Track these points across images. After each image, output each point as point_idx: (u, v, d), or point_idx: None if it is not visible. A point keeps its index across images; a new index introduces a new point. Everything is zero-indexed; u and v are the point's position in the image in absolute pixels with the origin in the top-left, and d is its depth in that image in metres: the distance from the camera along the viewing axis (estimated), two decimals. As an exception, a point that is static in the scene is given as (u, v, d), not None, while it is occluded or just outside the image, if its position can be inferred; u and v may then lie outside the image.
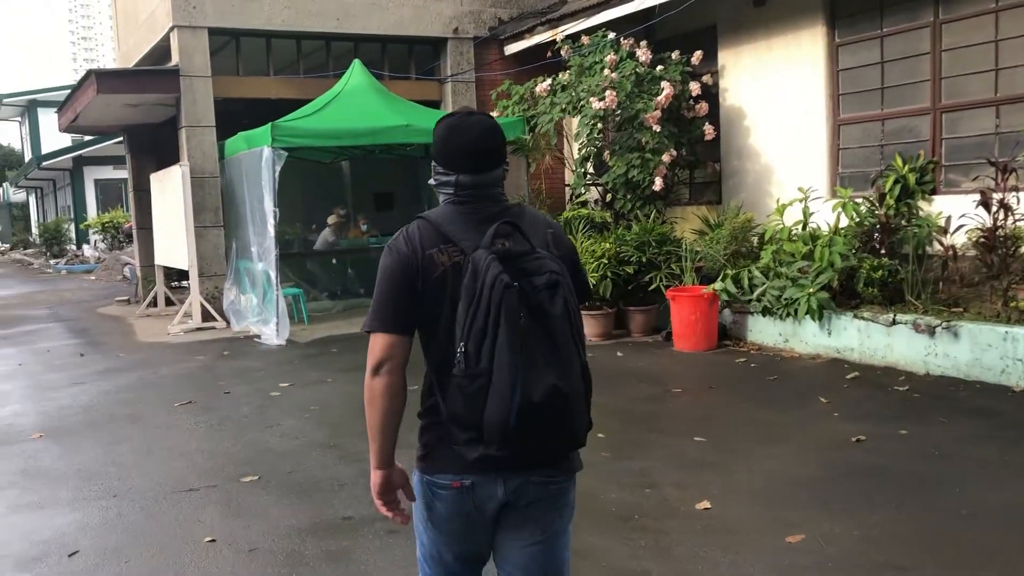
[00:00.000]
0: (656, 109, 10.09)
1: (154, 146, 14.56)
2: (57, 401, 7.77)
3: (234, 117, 12.09)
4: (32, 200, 44.76)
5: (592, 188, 11.12)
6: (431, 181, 2.34)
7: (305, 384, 7.83)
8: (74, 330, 12.47)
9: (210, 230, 11.90)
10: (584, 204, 11.11)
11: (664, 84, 10.22)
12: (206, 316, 11.68)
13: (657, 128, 10.12)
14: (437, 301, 2.18)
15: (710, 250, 9.00)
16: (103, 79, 11.21)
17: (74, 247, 30.72)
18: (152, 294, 13.98)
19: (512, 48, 13.51)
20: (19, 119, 40.97)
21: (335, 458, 5.64)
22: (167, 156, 12.87)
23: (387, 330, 2.21)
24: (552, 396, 2.07)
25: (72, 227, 30.89)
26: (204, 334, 11.24)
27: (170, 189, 12.09)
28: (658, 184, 10.07)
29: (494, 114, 11.89)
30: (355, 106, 10.93)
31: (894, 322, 7.24)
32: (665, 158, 10.11)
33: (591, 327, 9.30)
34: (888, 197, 8.38)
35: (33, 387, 8.48)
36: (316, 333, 10.77)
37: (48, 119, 28.78)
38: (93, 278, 22.44)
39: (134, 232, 15.85)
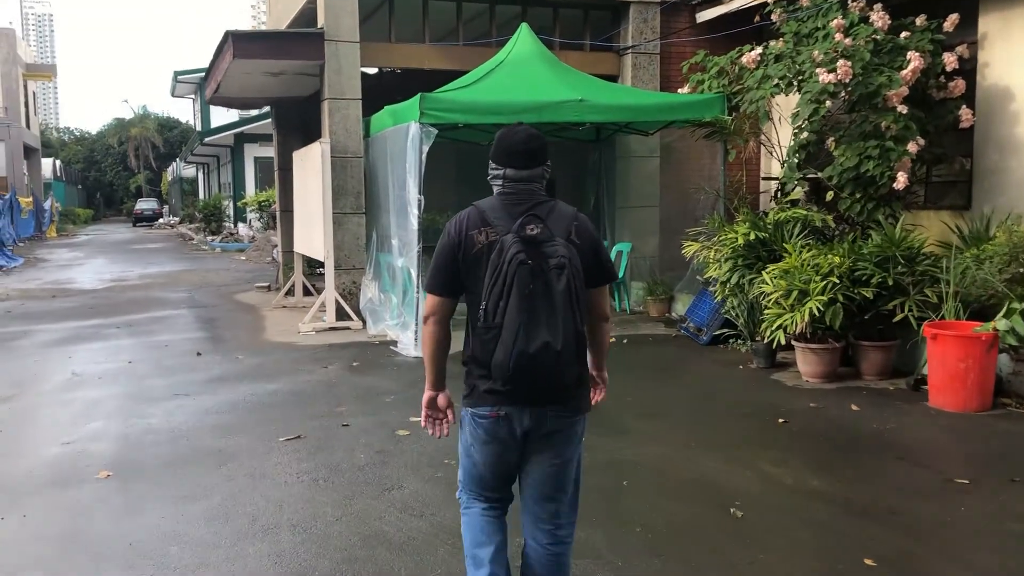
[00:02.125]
0: (903, 85, 7.82)
1: (301, 121, 13.35)
2: (147, 420, 6.41)
3: (385, 92, 10.56)
4: (200, 176, 45.92)
5: (804, 183, 8.90)
6: (488, 176, 3.01)
7: (441, 421, 6.13)
8: (202, 320, 11.36)
9: (350, 217, 10.46)
10: (794, 203, 8.92)
11: (910, 55, 7.92)
12: (341, 314, 10.26)
13: (903, 109, 7.85)
14: (474, 271, 2.88)
15: (981, 273, 6.70)
16: (239, 42, 9.93)
17: (231, 224, 30.70)
18: (290, 283, 12.79)
19: (706, 14, 11.41)
20: (193, 96, 41.98)
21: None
22: (314, 133, 11.53)
23: (435, 292, 2.98)
24: (543, 349, 2.76)
25: (231, 204, 30.87)
26: (336, 335, 9.81)
27: (311, 169, 10.74)
28: (900, 181, 7.79)
29: (684, 90, 9.91)
30: (520, 77, 9.17)
31: None
32: (911, 148, 7.82)
33: (808, 364, 7.19)
34: None
35: (129, 396, 7.19)
36: (461, 343, 9.11)
37: (214, 95, 28.78)
38: (243, 258, 21.86)
39: (277, 214, 14.78)
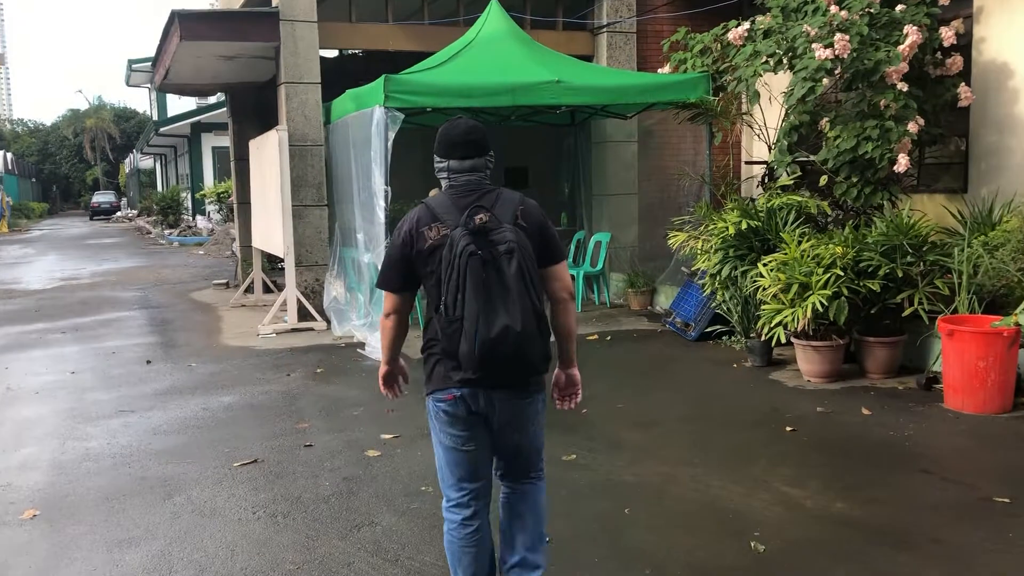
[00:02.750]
0: (902, 60, 7.31)
1: (258, 109, 12.59)
2: (86, 444, 5.73)
3: (347, 77, 9.86)
4: (158, 167, 44.68)
5: (795, 168, 8.36)
6: (435, 170, 3.12)
7: (415, 437, 5.52)
8: (155, 322, 10.63)
9: (311, 210, 9.78)
10: (785, 188, 8.38)
11: (907, 29, 7.41)
12: (303, 314, 9.60)
13: (903, 87, 7.34)
14: (428, 266, 2.98)
15: (994, 262, 6.20)
16: (187, 23, 9.17)
17: (189, 217, 29.74)
18: (249, 280, 12.08)
19: (685, -11, 10.85)
20: (148, 85, 40.66)
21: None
22: (271, 120, 10.79)
23: (390, 289, 3.12)
24: (504, 332, 2.83)
25: (189, 196, 29.89)
26: (299, 337, 9.14)
27: (268, 159, 10.04)
28: (902, 164, 7.30)
29: (665, 69, 9.35)
30: (491, 57, 8.54)
31: None
32: (911, 128, 7.33)
33: (810, 363, 6.68)
34: None
35: (69, 414, 6.50)
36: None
37: (168, 84, 27.72)
38: (201, 252, 21.02)
39: (235, 206, 14.02)
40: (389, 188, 7.84)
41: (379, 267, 8.08)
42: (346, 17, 10.23)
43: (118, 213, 48.93)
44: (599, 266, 10.43)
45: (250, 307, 11.41)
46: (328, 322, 9.51)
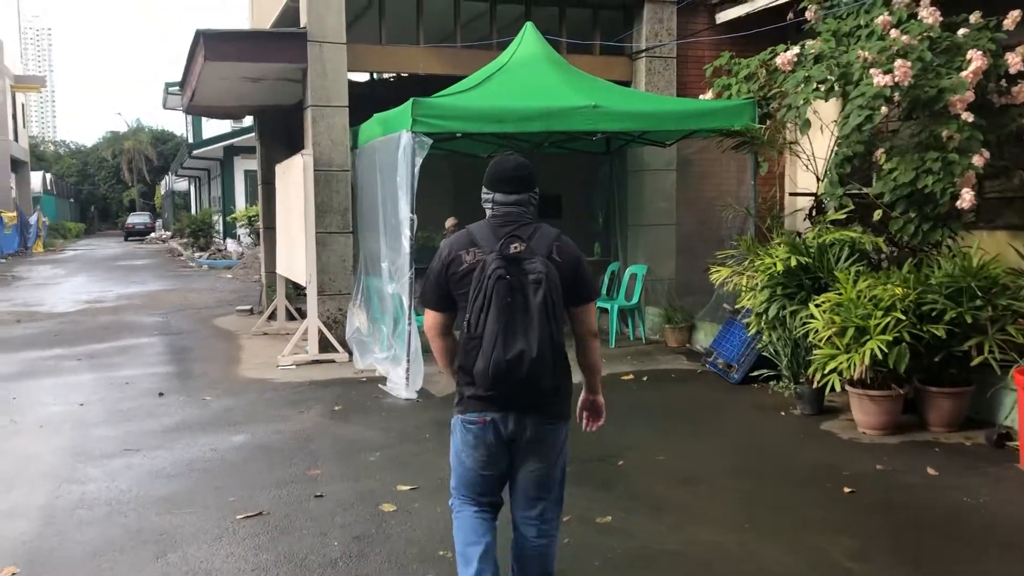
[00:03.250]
0: (968, 89, 6.80)
1: (286, 132, 12.30)
2: (83, 487, 5.34)
3: (377, 103, 9.50)
4: (192, 189, 44.93)
5: (847, 201, 7.85)
6: (482, 200, 3.25)
7: (434, 490, 5.05)
8: (173, 350, 10.29)
9: (335, 237, 9.41)
10: (835, 223, 7.86)
11: (971, 54, 6.90)
12: (325, 345, 9.20)
13: (968, 117, 6.82)
14: (461, 288, 3.12)
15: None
16: (212, 43, 8.89)
17: (220, 240, 29.66)
18: (272, 307, 11.74)
19: (728, 14, 10.43)
20: (182, 107, 40.97)
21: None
22: (298, 144, 10.47)
23: (429, 307, 3.27)
24: (518, 357, 2.95)
25: (220, 219, 29.83)
26: (319, 370, 8.74)
27: (292, 184, 9.71)
28: (966, 199, 6.74)
29: (707, 95, 8.91)
30: (525, 81, 8.15)
31: None
32: (976, 161, 6.79)
33: (866, 413, 6.14)
34: None
35: (70, 451, 6.12)
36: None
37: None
38: (229, 276, 20.81)
39: (260, 231, 13.73)
40: (415, 216, 7.42)
41: (403, 298, 7.73)
42: (376, 39, 9.92)
43: (152, 234, 49.28)
44: (634, 300, 9.94)
45: (272, 335, 11.05)
46: (350, 354, 9.10)
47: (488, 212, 3.23)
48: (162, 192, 57.12)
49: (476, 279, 3.02)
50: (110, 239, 51.37)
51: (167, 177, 51.19)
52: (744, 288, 7.50)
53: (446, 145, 9.67)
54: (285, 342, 9.57)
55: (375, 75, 12.71)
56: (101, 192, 69.83)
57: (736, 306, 7.87)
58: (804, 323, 6.60)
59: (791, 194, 9.99)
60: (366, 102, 9.75)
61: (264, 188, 12.87)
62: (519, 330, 2.97)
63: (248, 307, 13.59)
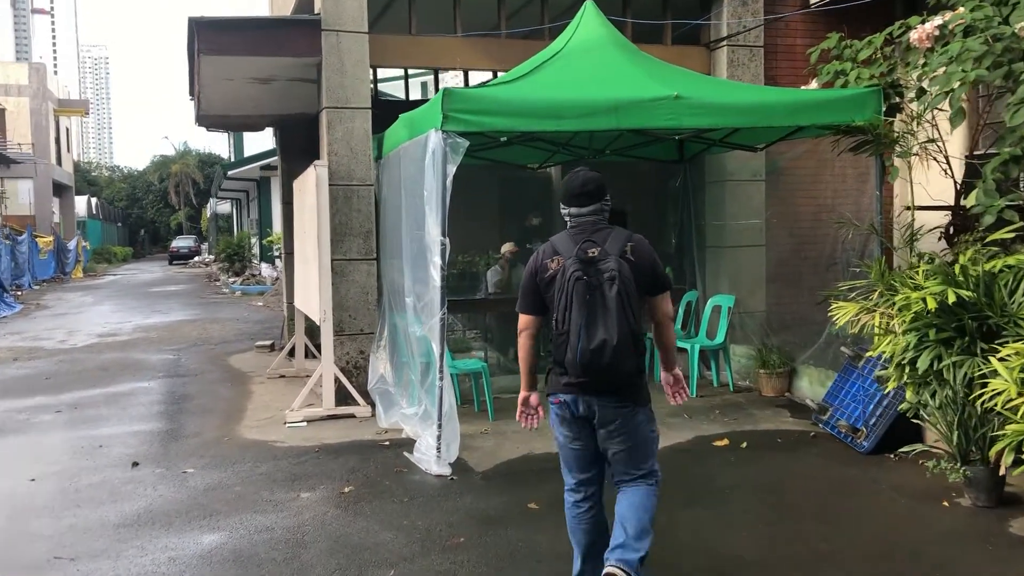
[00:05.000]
0: None
1: (309, 145, 10.71)
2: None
3: (406, 107, 7.96)
4: (234, 211, 44.07)
5: (1011, 214, 6.01)
6: (561, 214, 3.73)
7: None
8: (171, 399, 8.75)
9: (356, 265, 7.82)
10: (995, 244, 6.02)
11: None
12: (343, 395, 7.60)
13: None
14: (548, 291, 3.59)
15: None
16: (206, 33, 7.36)
17: (256, 264, 28.41)
18: (291, 344, 10.19)
19: (827, -8, 8.66)
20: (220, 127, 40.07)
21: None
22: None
23: (524, 311, 3.71)
24: (602, 345, 3.41)
25: (258, 242, 28.60)
26: (334, 428, 7.14)
27: (307, 203, 8.14)
28: None
29: (812, 85, 7.17)
30: (586, 69, 6.49)
31: None
32: None
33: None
34: None
35: (-18, 562, 4.56)
36: (505, 445, 6.38)
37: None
38: (260, 303, 19.44)
39: (282, 256, 12.22)
40: (447, 241, 5.76)
41: (433, 344, 6.08)
42: (404, 28, 8.32)
43: (196, 258, 48.56)
44: (720, 339, 8.17)
45: (290, 378, 9.51)
46: (373, 406, 7.48)
47: (567, 223, 3.68)
48: (208, 215, 56.58)
49: (558, 282, 3.51)
50: (155, 263, 50.79)
51: (211, 200, 50.56)
52: (877, 329, 5.70)
53: (486, 154, 8.04)
54: (302, 386, 7.97)
55: (407, 76, 11.13)
56: (149, 216, 69.78)
57: (866, 351, 6.07)
58: (974, 379, 4.80)
59: (911, 208, 8.10)
60: (396, 108, 8.19)
61: (284, 208, 11.38)
62: (599, 322, 3.42)
63: (269, 342, 12.06)
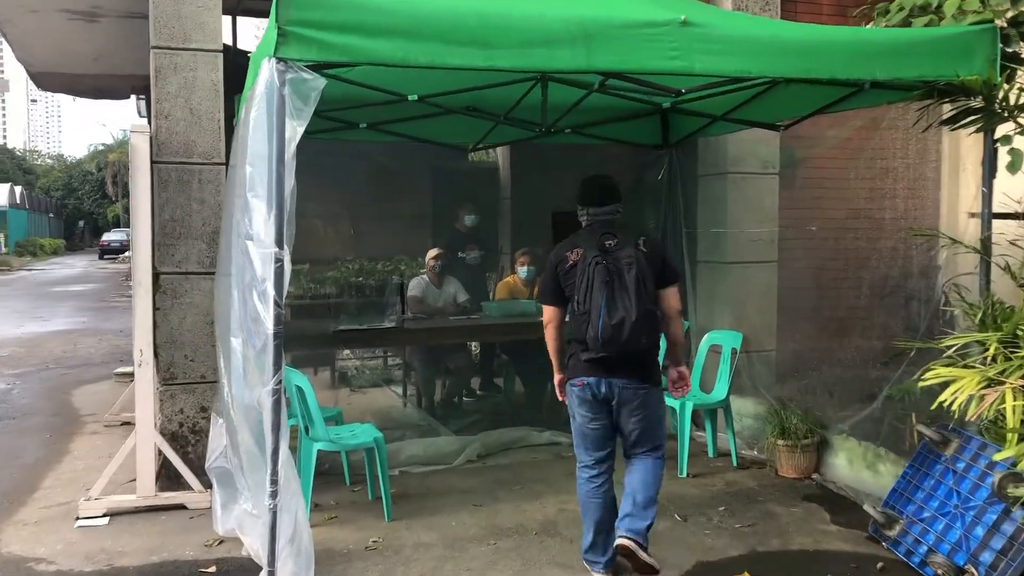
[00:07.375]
0: None
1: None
2: None
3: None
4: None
5: None
6: (578, 215, 4.02)
7: None
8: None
9: (196, 282, 5.36)
10: None
11: None
12: (172, 474, 5.12)
13: None
14: (570, 282, 3.84)
15: None
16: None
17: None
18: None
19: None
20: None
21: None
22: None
23: (547, 303, 3.98)
24: (621, 321, 3.64)
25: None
26: (145, 533, 4.67)
27: (138, 187, 5.61)
28: None
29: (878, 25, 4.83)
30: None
31: None
32: None
33: None
34: None
35: None
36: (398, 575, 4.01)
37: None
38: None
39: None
40: (286, 254, 3.30)
41: (264, 414, 3.68)
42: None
43: (126, 253, 45.42)
44: (721, 393, 5.81)
45: (129, 427, 6.96)
46: (211, 488, 4.99)
47: (584, 222, 3.96)
48: (144, 208, 53.35)
49: (579, 268, 3.77)
50: (87, 257, 47.34)
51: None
52: (1012, 417, 3.38)
53: (399, 127, 5.62)
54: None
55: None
56: (86, 207, 66.11)
57: (976, 445, 3.75)
58: None
59: (994, 215, 5.76)
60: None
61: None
62: (619, 301, 3.67)
63: (131, 369, 9.45)
